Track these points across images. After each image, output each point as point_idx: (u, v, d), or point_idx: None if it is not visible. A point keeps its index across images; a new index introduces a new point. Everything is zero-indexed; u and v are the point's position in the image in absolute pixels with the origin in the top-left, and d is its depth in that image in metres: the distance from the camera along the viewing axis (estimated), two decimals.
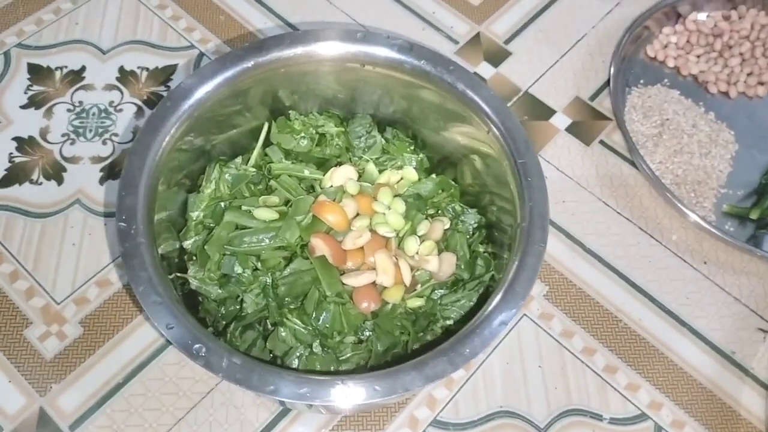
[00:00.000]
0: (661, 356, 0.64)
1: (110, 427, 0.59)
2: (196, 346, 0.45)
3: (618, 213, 0.72)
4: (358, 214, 0.60)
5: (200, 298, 0.59)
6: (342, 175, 0.62)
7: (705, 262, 0.69)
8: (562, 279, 0.68)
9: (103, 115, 0.75)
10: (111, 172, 0.71)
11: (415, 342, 0.57)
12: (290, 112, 0.65)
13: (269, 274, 0.56)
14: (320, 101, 0.65)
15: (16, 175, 0.70)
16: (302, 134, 0.63)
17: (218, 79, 0.56)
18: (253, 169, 0.62)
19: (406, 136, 0.67)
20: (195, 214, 0.59)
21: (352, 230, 0.59)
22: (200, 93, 0.56)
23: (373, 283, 0.57)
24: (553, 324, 0.65)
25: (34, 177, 0.70)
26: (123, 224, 0.49)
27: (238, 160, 0.63)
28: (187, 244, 0.59)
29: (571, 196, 0.73)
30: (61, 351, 0.62)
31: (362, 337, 0.56)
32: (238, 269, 0.56)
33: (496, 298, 0.49)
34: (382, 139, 0.66)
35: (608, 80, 0.78)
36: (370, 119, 0.66)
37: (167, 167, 0.55)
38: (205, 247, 0.57)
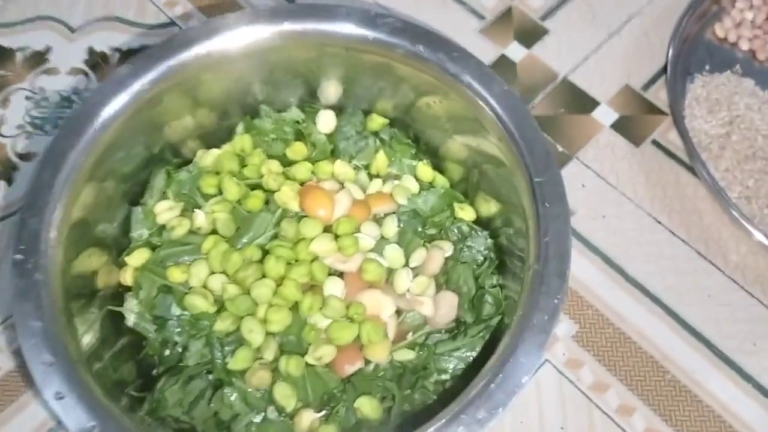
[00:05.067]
0: (717, 419, 0.51)
1: None
2: (89, 424, 0.35)
3: (671, 233, 0.58)
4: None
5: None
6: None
7: None
8: (597, 316, 0.55)
9: (65, 103, 0.65)
10: None
11: (403, 404, 0.45)
12: (262, 107, 0.53)
13: None
14: (301, 94, 0.53)
15: None
16: (273, 135, 0.52)
17: (152, 74, 0.45)
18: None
19: (406, 137, 0.54)
20: (138, 234, 0.49)
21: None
22: (137, 86, 0.45)
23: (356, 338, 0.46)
24: (583, 374, 0.53)
25: None
26: (20, 256, 0.39)
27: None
28: None
29: (612, 210, 0.59)
30: None
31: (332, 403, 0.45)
32: (176, 310, 0.45)
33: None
34: (378, 141, 0.54)
35: (665, 66, 0.64)
36: (362, 116, 0.54)
37: (97, 176, 0.45)
38: (136, 275, 0.46)
